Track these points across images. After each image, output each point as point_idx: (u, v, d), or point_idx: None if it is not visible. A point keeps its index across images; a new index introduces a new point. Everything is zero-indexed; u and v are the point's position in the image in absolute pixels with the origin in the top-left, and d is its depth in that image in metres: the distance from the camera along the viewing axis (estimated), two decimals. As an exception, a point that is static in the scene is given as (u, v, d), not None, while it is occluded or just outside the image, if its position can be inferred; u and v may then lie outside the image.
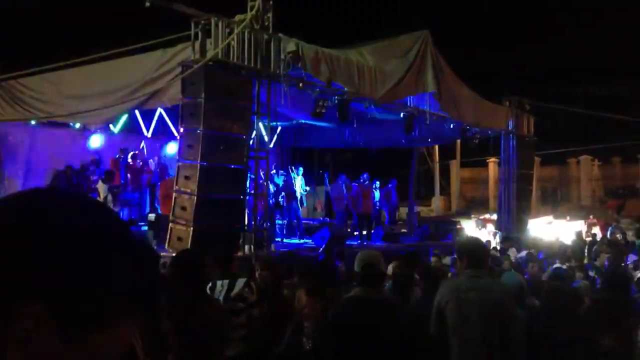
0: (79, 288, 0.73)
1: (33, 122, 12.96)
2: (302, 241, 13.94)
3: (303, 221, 15.22)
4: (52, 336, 0.72)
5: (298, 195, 14.43)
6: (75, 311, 0.73)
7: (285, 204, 14.43)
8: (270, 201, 13.01)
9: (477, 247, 4.12)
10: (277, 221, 14.05)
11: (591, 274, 9.19)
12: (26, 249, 0.72)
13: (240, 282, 4.71)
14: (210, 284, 4.86)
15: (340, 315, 3.76)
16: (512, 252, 12.24)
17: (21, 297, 0.71)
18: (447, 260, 10.33)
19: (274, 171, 14.90)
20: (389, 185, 17.13)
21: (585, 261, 12.28)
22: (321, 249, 11.62)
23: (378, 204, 16.51)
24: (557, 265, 8.83)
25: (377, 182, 16.49)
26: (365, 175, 15.43)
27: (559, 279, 6.07)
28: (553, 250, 13.38)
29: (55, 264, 0.72)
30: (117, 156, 13.71)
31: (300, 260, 7.88)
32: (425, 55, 13.15)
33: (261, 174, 11.18)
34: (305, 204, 15.91)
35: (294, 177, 14.74)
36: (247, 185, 10.58)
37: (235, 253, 8.59)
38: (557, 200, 31.58)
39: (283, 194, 14.20)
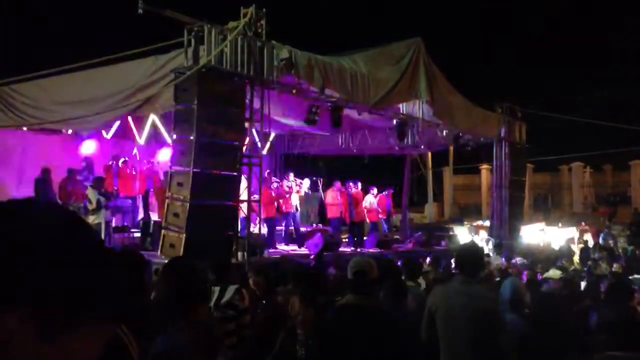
0: (60, 292, 0.79)
1: (25, 128, 12.91)
2: (294, 247, 13.89)
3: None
4: (32, 336, 0.78)
5: (296, 201, 14.45)
6: (55, 312, 0.79)
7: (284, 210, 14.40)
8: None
9: (471, 254, 4.14)
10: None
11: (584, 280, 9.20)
12: (11, 254, 0.78)
13: (231, 290, 4.70)
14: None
15: (332, 323, 3.75)
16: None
17: (6, 298, 0.77)
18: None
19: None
20: (385, 193, 17.11)
21: (577, 267, 12.33)
22: (312, 255, 11.61)
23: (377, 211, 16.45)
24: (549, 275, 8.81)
25: (375, 190, 16.48)
26: (355, 183, 15.45)
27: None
28: (544, 256, 13.43)
29: (37, 268, 0.78)
30: (109, 163, 13.67)
31: (293, 267, 7.85)
32: (418, 63, 13.21)
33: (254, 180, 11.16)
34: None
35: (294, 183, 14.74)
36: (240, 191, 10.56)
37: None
38: (548, 207, 31.71)
39: (280, 200, 14.19)
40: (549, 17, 43.24)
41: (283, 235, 14.47)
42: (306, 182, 15.61)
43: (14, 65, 13.87)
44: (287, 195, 14.15)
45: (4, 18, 22.60)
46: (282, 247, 13.69)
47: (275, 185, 14.52)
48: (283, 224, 14.57)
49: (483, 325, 3.77)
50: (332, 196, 15.11)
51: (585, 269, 12.00)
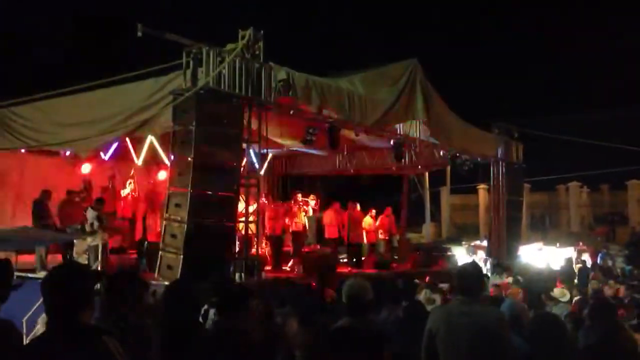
0: None
1: (23, 150, 12.93)
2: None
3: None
4: None
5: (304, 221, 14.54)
6: None
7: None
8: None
9: (470, 274, 4.08)
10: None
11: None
12: None
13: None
14: (203, 311, 4.84)
15: (327, 345, 3.73)
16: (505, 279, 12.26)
17: None
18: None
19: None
20: (384, 214, 17.18)
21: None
22: (312, 277, 11.56)
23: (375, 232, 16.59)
24: None
25: (374, 211, 16.57)
26: (355, 203, 15.47)
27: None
28: (543, 276, 13.37)
29: None
30: (107, 184, 13.69)
31: (289, 289, 7.84)
32: (415, 84, 13.31)
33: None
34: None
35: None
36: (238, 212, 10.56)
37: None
38: (545, 227, 31.68)
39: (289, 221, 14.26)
40: (546, 36, 43.66)
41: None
42: (312, 199, 15.68)
43: (12, 87, 13.93)
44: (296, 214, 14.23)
45: (2, 40, 22.76)
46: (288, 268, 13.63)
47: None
48: (293, 245, 14.54)
49: (486, 346, 3.73)
50: (330, 217, 15.13)
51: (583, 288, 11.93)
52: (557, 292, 9.08)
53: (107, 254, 11.74)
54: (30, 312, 7.11)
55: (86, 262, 10.51)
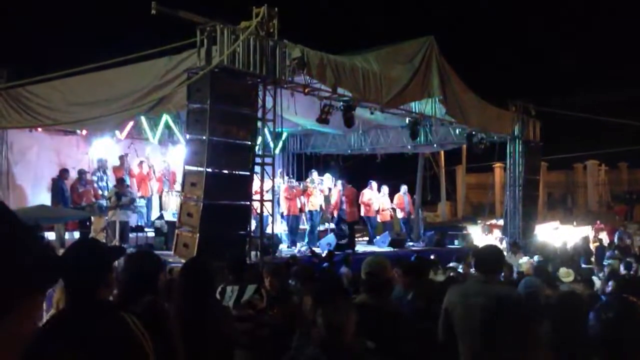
0: None
1: (40, 129, 13.02)
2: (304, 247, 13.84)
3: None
4: None
5: (320, 200, 14.57)
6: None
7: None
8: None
9: (489, 253, 4.06)
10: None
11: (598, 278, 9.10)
12: None
13: (251, 289, 4.72)
14: (220, 290, 4.88)
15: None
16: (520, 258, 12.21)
17: None
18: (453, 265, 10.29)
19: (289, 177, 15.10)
20: (401, 192, 17.20)
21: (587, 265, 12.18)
22: (323, 255, 11.62)
23: (391, 210, 16.68)
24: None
25: (386, 188, 16.59)
26: (343, 181, 15.50)
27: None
28: (558, 255, 13.29)
29: None
30: (119, 163, 13.78)
31: (301, 267, 7.85)
32: (431, 61, 13.14)
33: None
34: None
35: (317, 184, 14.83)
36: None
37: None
38: (567, 206, 31.41)
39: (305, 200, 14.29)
40: (564, 14, 42.88)
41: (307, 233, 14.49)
42: (327, 178, 15.67)
43: (29, 66, 13.98)
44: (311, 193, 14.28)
45: (18, 20, 22.82)
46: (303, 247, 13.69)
47: (295, 183, 14.59)
48: (309, 224, 14.58)
49: (502, 325, 3.71)
50: (336, 195, 15.19)
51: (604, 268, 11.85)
52: (561, 272, 9.01)
53: (127, 232, 11.87)
54: (50, 290, 7.21)
55: (104, 240, 10.63)
